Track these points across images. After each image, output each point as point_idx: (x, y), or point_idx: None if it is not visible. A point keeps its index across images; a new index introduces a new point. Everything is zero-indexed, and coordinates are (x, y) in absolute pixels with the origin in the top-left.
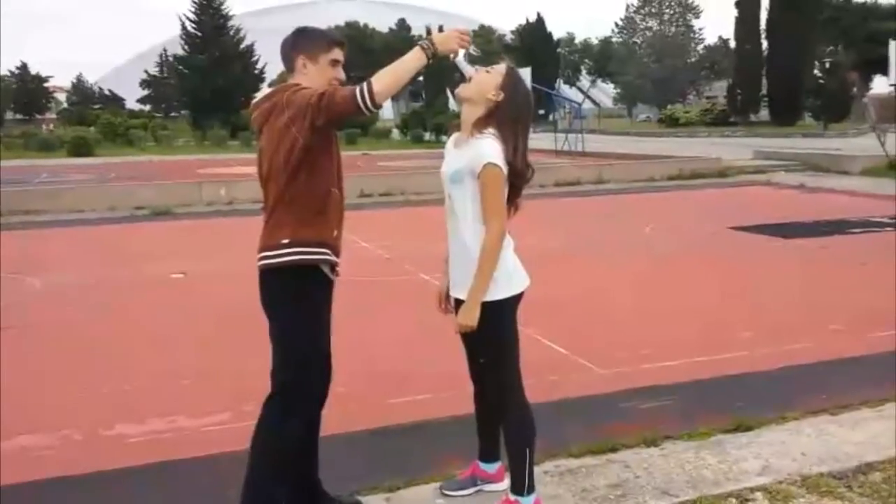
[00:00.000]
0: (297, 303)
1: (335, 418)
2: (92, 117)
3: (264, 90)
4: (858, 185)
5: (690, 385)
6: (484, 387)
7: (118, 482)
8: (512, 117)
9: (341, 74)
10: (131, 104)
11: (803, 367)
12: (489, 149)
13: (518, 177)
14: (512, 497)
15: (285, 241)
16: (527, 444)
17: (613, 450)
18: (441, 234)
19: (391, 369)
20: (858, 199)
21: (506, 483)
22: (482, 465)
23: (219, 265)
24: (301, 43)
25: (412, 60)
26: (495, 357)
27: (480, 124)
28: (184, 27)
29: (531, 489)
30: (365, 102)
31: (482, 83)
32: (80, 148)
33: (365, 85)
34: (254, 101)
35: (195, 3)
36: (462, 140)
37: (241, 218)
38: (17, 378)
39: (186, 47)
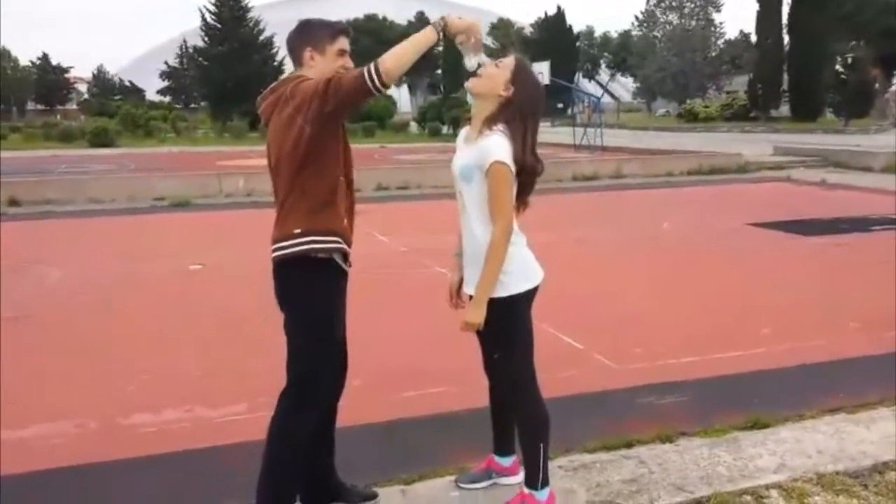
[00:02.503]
0: (311, 294)
1: (351, 410)
2: (112, 108)
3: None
4: (880, 181)
5: (706, 382)
6: (497, 381)
7: (131, 471)
8: (522, 112)
9: (349, 63)
10: (151, 95)
11: (821, 366)
12: (497, 146)
13: (527, 173)
14: (526, 490)
15: (297, 230)
16: (541, 438)
17: (628, 445)
18: (455, 228)
19: (406, 363)
20: (879, 196)
21: (520, 476)
22: (497, 459)
23: (237, 256)
24: (306, 35)
25: (421, 37)
26: (508, 352)
27: (491, 121)
28: (203, 18)
29: (545, 483)
30: (374, 82)
31: (492, 77)
32: (101, 138)
33: (372, 65)
34: (261, 94)
35: None
36: (472, 136)
37: (260, 210)
38: (32, 367)
39: (206, 38)
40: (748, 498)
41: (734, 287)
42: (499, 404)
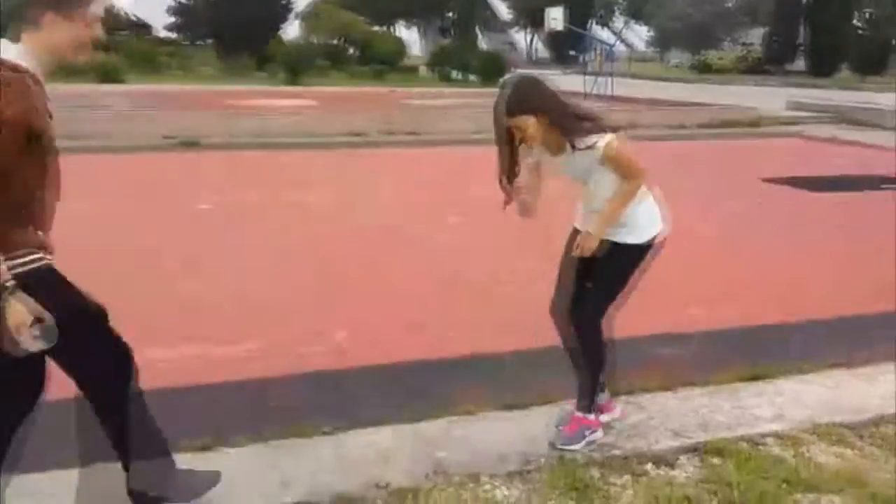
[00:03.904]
0: None
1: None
2: (119, 43)
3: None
4: (892, 139)
5: (710, 334)
6: (574, 305)
7: None
8: (553, 119)
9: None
10: (158, 31)
11: (827, 322)
12: (593, 143)
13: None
14: (579, 414)
15: None
16: (597, 370)
17: (629, 392)
18: (459, 178)
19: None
20: (891, 154)
21: (617, 412)
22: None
23: (246, 197)
24: None
25: None
26: (599, 288)
27: (562, 142)
28: None
29: (592, 408)
30: None
31: (532, 136)
32: (108, 74)
33: None
34: None
35: None
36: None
37: (271, 151)
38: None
39: None
40: (744, 444)
41: (742, 242)
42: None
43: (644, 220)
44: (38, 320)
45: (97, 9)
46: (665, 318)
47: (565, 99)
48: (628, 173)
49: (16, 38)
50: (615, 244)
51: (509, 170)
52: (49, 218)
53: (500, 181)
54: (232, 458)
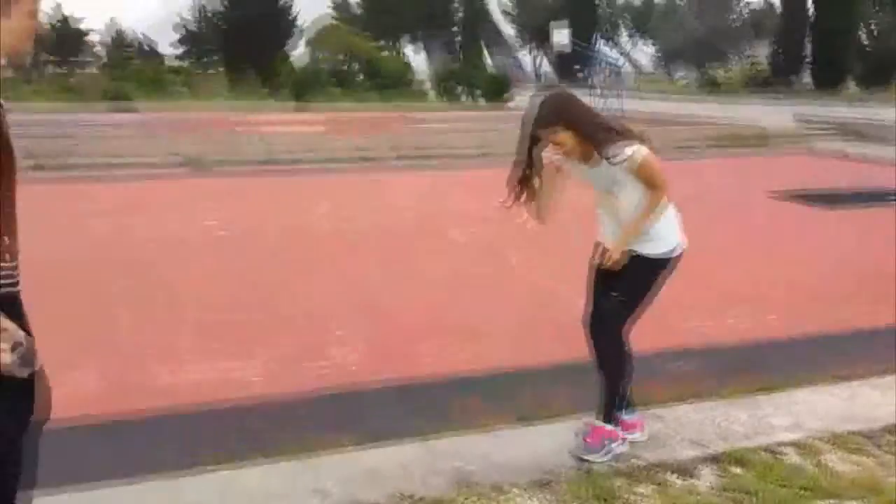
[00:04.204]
0: None
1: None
2: (128, 66)
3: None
4: None
5: (723, 348)
6: (595, 316)
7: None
8: (586, 131)
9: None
10: (164, 50)
11: (839, 335)
12: (624, 154)
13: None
14: (599, 424)
15: None
16: (617, 380)
17: (646, 404)
18: (471, 193)
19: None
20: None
21: (644, 434)
22: (623, 416)
23: (253, 218)
24: None
25: None
26: (620, 299)
27: (593, 152)
28: None
29: (612, 418)
30: None
31: (563, 148)
32: (120, 100)
33: None
34: None
35: None
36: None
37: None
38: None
39: (226, 3)
40: (763, 453)
41: (753, 257)
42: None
43: (665, 233)
44: (17, 344)
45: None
46: (678, 332)
47: (596, 112)
48: (655, 184)
49: None
50: (636, 255)
51: (523, 176)
52: (14, 221)
53: (511, 182)
54: (265, 471)
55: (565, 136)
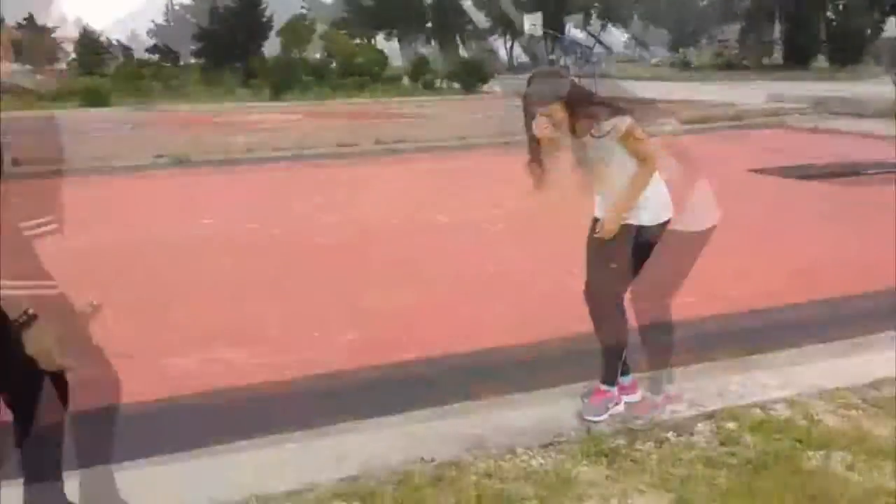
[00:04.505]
0: None
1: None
2: (102, 67)
3: None
4: (872, 127)
5: (714, 318)
6: (592, 285)
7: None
8: (577, 105)
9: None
10: (139, 53)
11: (829, 301)
12: (612, 124)
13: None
14: (602, 387)
15: None
16: (616, 345)
17: (641, 372)
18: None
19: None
20: (871, 141)
21: (638, 396)
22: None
23: (241, 213)
24: None
25: None
26: (613, 268)
27: (585, 125)
28: None
29: (614, 381)
30: None
31: (557, 122)
32: (94, 98)
33: None
34: None
35: None
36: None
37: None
38: None
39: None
40: (757, 410)
41: (740, 231)
42: None
43: (654, 204)
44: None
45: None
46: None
47: (584, 87)
48: (643, 155)
49: None
50: (626, 225)
51: (536, 153)
52: None
53: (529, 164)
54: (295, 441)
55: (554, 109)
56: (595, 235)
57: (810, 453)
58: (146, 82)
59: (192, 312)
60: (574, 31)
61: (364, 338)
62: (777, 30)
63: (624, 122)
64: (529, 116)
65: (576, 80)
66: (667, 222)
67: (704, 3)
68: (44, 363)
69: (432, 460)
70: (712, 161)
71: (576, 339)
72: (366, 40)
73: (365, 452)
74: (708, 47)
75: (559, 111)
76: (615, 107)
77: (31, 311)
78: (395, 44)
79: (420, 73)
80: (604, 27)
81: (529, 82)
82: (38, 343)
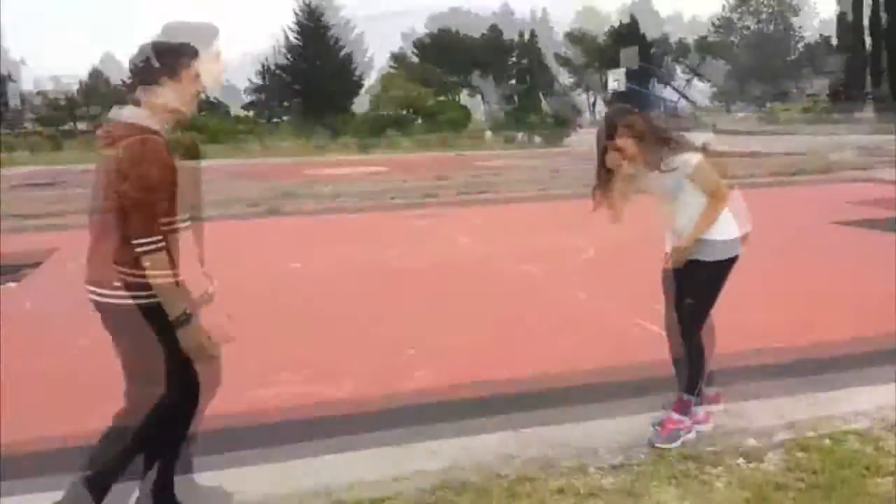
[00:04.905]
0: None
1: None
2: (199, 122)
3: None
4: None
5: (788, 350)
6: (678, 318)
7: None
8: (648, 140)
9: (201, 85)
10: (235, 110)
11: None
12: (683, 160)
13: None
14: (675, 416)
15: None
16: (696, 376)
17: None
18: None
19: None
20: None
21: (712, 423)
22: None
23: (329, 258)
24: (162, 59)
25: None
26: (691, 302)
27: (656, 160)
28: (286, 37)
29: (698, 394)
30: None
31: (629, 156)
32: (191, 152)
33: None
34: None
35: (298, 12)
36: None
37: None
38: None
39: (289, 56)
40: (826, 441)
41: (815, 282)
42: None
43: (721, 239)
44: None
45: (200, 66)
46: (748, 340)
47: (658, 124)
48: (712, 190)
49: (137, 103)
50: (695, 261)
51: (603, 182)
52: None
53: (594, 192)
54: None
55: (626, 143)
56: (665, 267)
57: (879, 480)
58: (243, 138)
59: (306, 343)
60: (658, 86)
61: (466, 364)
62: (868, 83)
63: (695, 158)
64: (601, 147)
65: (651, 117)
66: (734, 258)
67: (792, 58)
68: (195, 356)
69: (506, 476)
70: (797, 212)
71: (650, 366)
72: (450, 97)
73: (442, 471)
74: (797, 101)
75: (631, 145)
76: (686, 143)
77: (188, 310)
78: (478, 99)
79: (502, 127)
80: (689, 82)
81: (605, 118)
82: (193, 339)
